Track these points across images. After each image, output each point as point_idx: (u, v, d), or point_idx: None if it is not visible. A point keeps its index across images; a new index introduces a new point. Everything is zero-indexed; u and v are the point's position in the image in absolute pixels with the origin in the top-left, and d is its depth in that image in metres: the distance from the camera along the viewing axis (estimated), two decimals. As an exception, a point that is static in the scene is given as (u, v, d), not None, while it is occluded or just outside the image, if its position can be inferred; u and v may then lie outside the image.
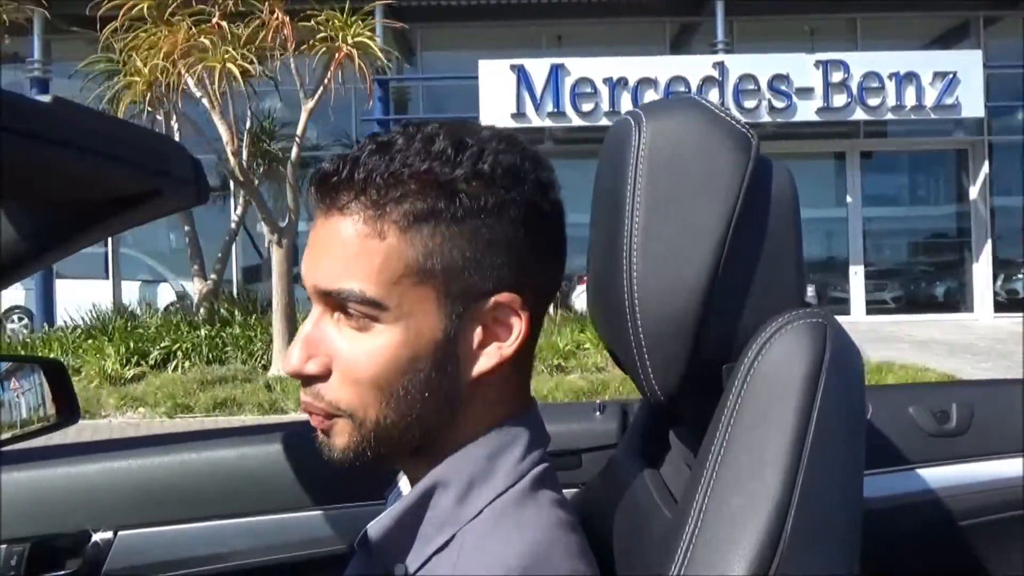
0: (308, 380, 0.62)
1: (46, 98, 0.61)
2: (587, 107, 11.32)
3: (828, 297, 12.80)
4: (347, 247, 0.60)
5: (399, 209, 0.59)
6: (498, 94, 11.24)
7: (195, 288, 9.71)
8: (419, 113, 13.24)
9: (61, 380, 1.03)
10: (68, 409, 1.03)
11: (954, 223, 13.64)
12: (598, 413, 1.20)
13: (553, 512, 0.61)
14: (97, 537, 1.08)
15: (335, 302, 0.61)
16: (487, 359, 0.62)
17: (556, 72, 11.25)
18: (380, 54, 7.66)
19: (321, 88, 7.56)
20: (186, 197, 0.84)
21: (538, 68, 11.30)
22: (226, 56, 6.96)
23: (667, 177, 0.65)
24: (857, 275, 12.86)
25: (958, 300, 13.24)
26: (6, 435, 0.98)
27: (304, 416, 0.66)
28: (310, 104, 7.61)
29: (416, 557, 0.62)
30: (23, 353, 7.52)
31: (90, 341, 8.25)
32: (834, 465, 0.58)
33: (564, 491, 0.67)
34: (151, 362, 7.80)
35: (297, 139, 7.84)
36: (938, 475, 1.10)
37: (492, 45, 12.86)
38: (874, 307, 12.88)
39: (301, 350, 0.62)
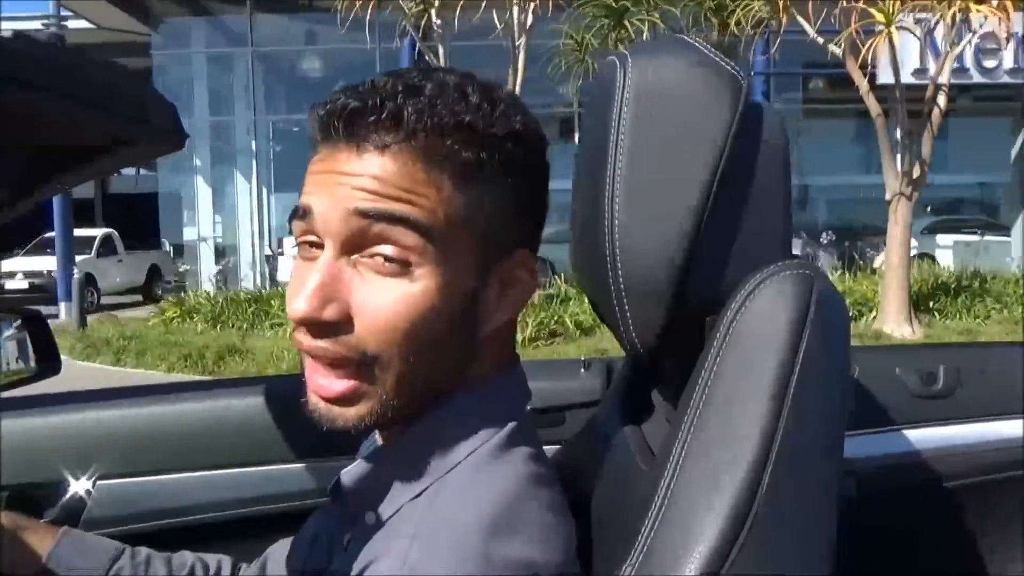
0: (322, 329, 0.58)
1: (6, 33, 0.59)
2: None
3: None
4: (395, 180, 0.57)
5: (454, 158, 0.58)
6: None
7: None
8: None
9: (41, 331, 1.02)
10: (48, 360, 1.02)
11: None
12: (583, 370, 1.19)
13: (528, 466, 0.61)
14: (75, 487, 1.08)
15: (368, 235, 0.57)
16: (501, 314, 0.62)
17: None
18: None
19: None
20: (164, 143, 0.82)
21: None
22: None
23: (652, 121, 0.62)
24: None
25: None
26: None
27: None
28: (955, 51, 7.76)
29: (388, 505, 0.61)
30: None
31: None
32: (815, 420, 0.57)
33: (547, 448, 0.66)
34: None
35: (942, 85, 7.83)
36: (924, 436, 1.09)
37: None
38: None
39: (316, 294, 0.56)
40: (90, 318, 10.98)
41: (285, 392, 1.14)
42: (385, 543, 0.57)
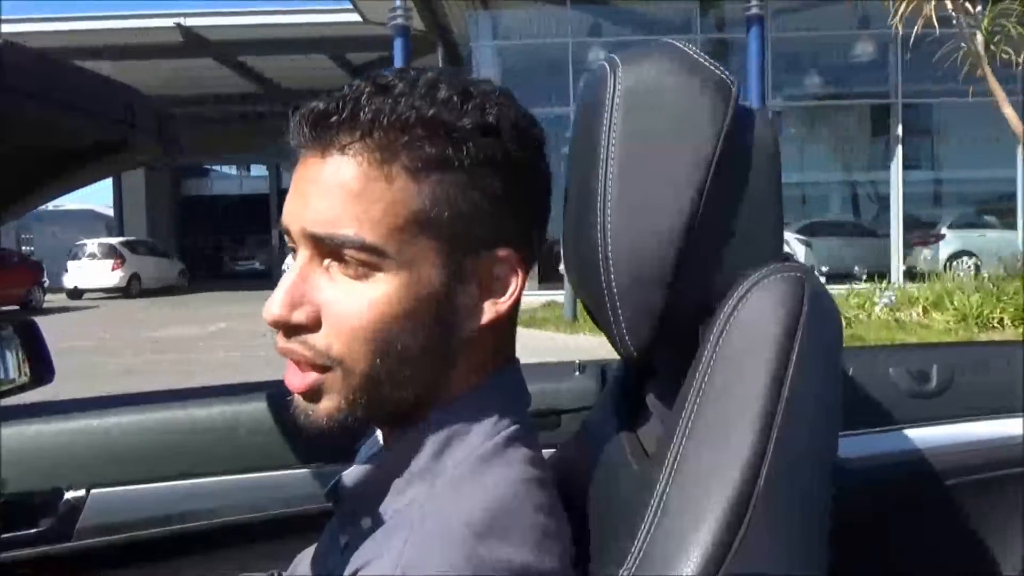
0: (293, 330, 0.59)
1: None
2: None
3: None
4: (348, 189, 0.57)
5: (410, 154, 0.57)
6: None
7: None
8: None
9: (33, 339, 1.01)
10: (41, 369, 1.01)
11: None
12: (578, 373, 1.19)
13: (523, 468, 0.61)
14: (69, 495, 1.08)
15: (328, 248, 0.58)
16: (484, 314, 0.61)
17: None
18: None
19: None
20: (152, 149, 0.82)
21: None
22: None
23: (642, 124, 0.63)
24: None
25: None
26: None
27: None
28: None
29: (384, 508, 0.61)
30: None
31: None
32: (808, 422, 0.57)
33: (543, 451, 0.66)
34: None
35: None
36: (917, 436, 1.10)
37: None
38: None
39: (285, 296, 0.58)
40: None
41: (276, 398, 1.13)
42: (379, 545, 0.57)
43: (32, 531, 1.05)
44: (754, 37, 11.77)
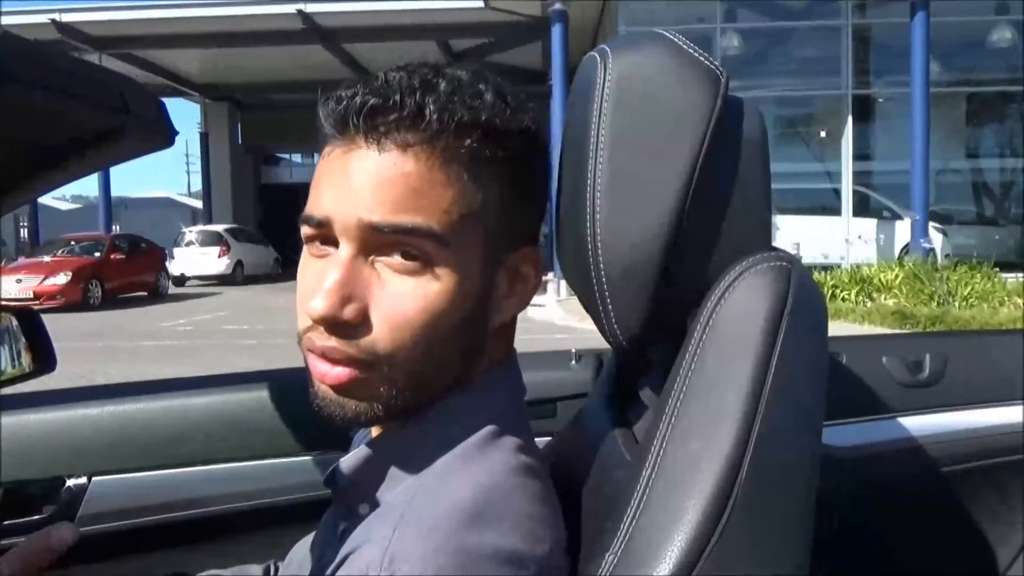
0: (341, 328, 0.58)
1: None
2: None
3: None
4: (411, 184, 0.57)
5: (469, 156, 0.58)
6: None
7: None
8: None
9: (35, 328, 1.01)
10: (43, 358, 1.01)
11: None
12: (574, 362, 1.20)
13: (515, 457, 0.61)
14: (71, 483, 1.08)
15: (384, 240, 0.57)
16: (508, 310, 0.63)
17: None
18: None
19: None
20: (151, 138, 0.81)
21: None
22: None
23: (632, 114, 0.63)
24: None
25: None
26: None
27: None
28: None
29: (380, 496, 0.62)
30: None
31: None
32: (793, 412, 0.58)
33: (538, 440, 0.67)
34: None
35: None
36: (910, 425, 1.10)
37: None
38: None
39: (336, 292, 0.57)
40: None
41: (278, 386, 1.15)
42: (369, 531, 0.58)
43: (34, 518, 1.06)
44: (919, 23, 11.51)
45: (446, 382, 0.62)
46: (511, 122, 0.60)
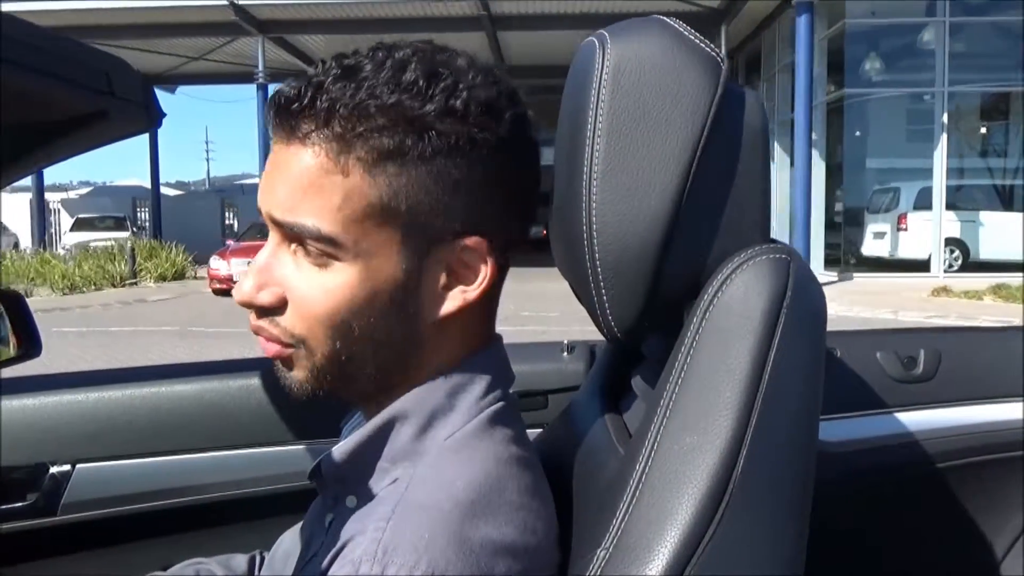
0: (262, 311, 0.61)
1: None
2: None
3: None
4: (306, 180, 0.57)
5: (365, 145, 0.56)
6: None
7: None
8: None
9: (21, 311, 1.00)
10: (28, 342, 1.00)
11: None
12: (566, 353, 1.19)
13: (507, 448, 0.61)
14: (55, 470, 1.07)
15: (292, 235, 0.59)
16: (451, 302, 0.61)
17: None
18: None
19: None
20: (135, 120, 0.80)
21: None
22: None
23: (630, 101, 0.61)
24: None
25: None
26: None
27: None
28: None
29: (367, 487, 0.61)
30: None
31: None
32: (789, 406, 0.57)
33: (529, 431, 0.66)
34: None
35: None
36: (904, 420, 1.10)
37: None
38: None
39: (254, 279, 0.60)
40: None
41: (262, 374, 1.14)
42: (362, 523, 0.57)
43: (17, 505, 1.05)
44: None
45: (383, 367, 0.61)
46: (431, 103, 0.56)
